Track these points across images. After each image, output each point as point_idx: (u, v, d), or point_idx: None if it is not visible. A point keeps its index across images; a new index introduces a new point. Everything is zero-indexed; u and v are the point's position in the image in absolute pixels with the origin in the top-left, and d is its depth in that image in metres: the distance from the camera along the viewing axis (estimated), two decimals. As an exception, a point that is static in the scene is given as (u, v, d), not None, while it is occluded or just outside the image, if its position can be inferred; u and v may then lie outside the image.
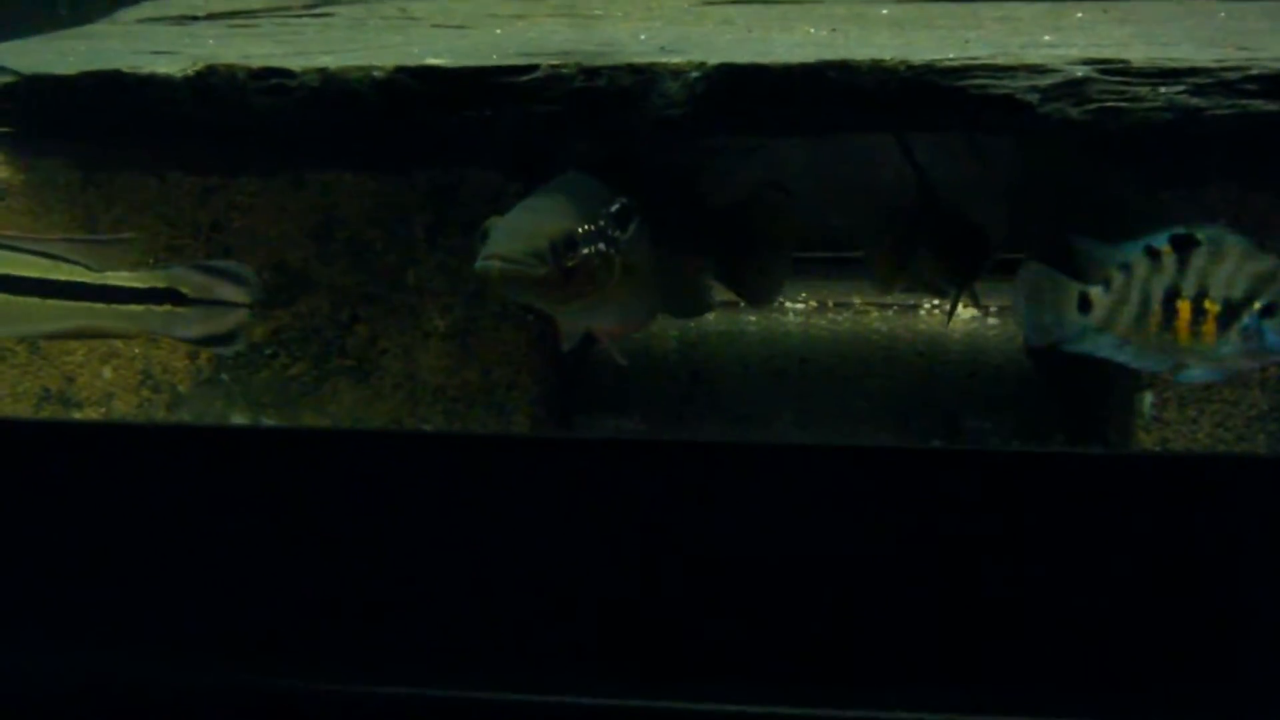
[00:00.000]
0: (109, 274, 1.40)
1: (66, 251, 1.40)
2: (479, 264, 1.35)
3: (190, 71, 1.57)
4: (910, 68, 1.49)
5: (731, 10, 2.01)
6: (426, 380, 1.65)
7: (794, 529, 1.28)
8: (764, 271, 1.66)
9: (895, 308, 2.24)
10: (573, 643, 1.32)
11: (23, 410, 1.68)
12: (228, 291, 1.42)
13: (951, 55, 1.51)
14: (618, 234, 1.41)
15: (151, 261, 1.59)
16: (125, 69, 1.60)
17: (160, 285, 1.41)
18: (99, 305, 1.40)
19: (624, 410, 1.82)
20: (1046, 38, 1.68)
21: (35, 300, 1.39)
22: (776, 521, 1.28)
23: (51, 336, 1.47)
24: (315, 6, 2.13)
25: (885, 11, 1.97)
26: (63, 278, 1.39)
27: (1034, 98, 1.48)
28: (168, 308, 1.41)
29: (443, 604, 1.33)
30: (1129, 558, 1.26)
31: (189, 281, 1.41)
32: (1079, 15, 1.91)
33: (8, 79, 1.64)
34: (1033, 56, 1.52)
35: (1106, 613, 1.26)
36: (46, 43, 1.88)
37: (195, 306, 1.42)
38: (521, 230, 1.35)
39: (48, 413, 1.68)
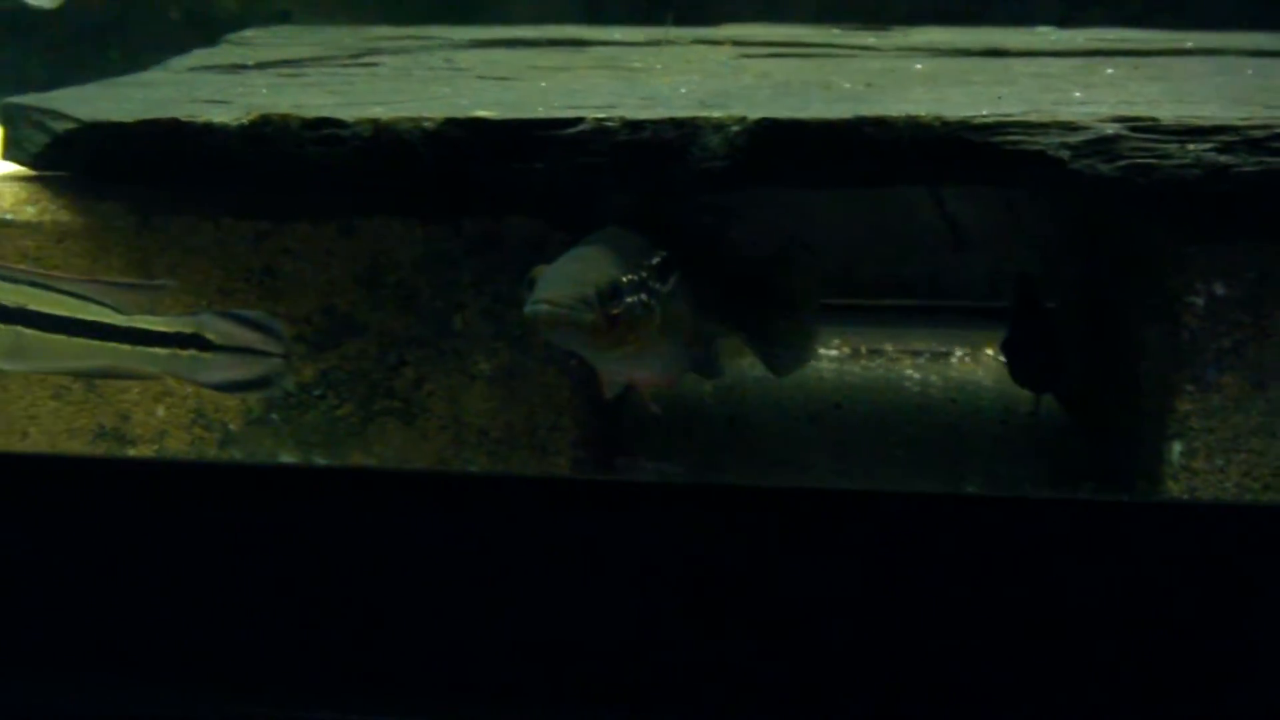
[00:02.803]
0: (136, 317, 1.44)
1: (97, 293, 1.44)
2: (527, 309, 1.39)
3: (245, 121, 1.61)
4: (945, 124, 1.51)
5: (769, 64, 2.04)
6: (471, 422, 1.66)
7: (830, 572, 1.31)
8: (788, 339, 1.69)
9: (928, 355, 2.26)
10: (610, 684, 1.35)
11: (78, 447, 1.70)
12: (254, 339, 1.46)
13: (985, 111, 1.53)
14: (659, 286, 1.45)
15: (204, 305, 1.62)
16: (182, 118, 1.63)
17: (186, 330, 1.44)
18: (124, 346, 1.44)
19: (663, 454, 1.83)
20: (1078, 94, 1.70)
21: (62, 338, 1.43)
22: (813, 564, 1.31)
23: (76, 374, 1.52)
24: (361, 56, 2.16)
25: (919, 66, 1.99)
26: (90, 317, 1.43)
27: (1065, 154, 1.50)
28: (192, 352, 1.44)
29: (484, 641, 1.36)
30: (1156, 604, 1.28)
31: (215, 328, 1.45)
32: (1110, 71, 1.93)
33: (68, 126, 1.67)
34: (1064, 114, 1.54)
35: (1133, 657, 1.29)
36: (104, 90, 1.92)
37: (220, 353, 1.45)
38: (569, 278, 1.39)
39: (102, 449, 1.70)
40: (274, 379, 1.48)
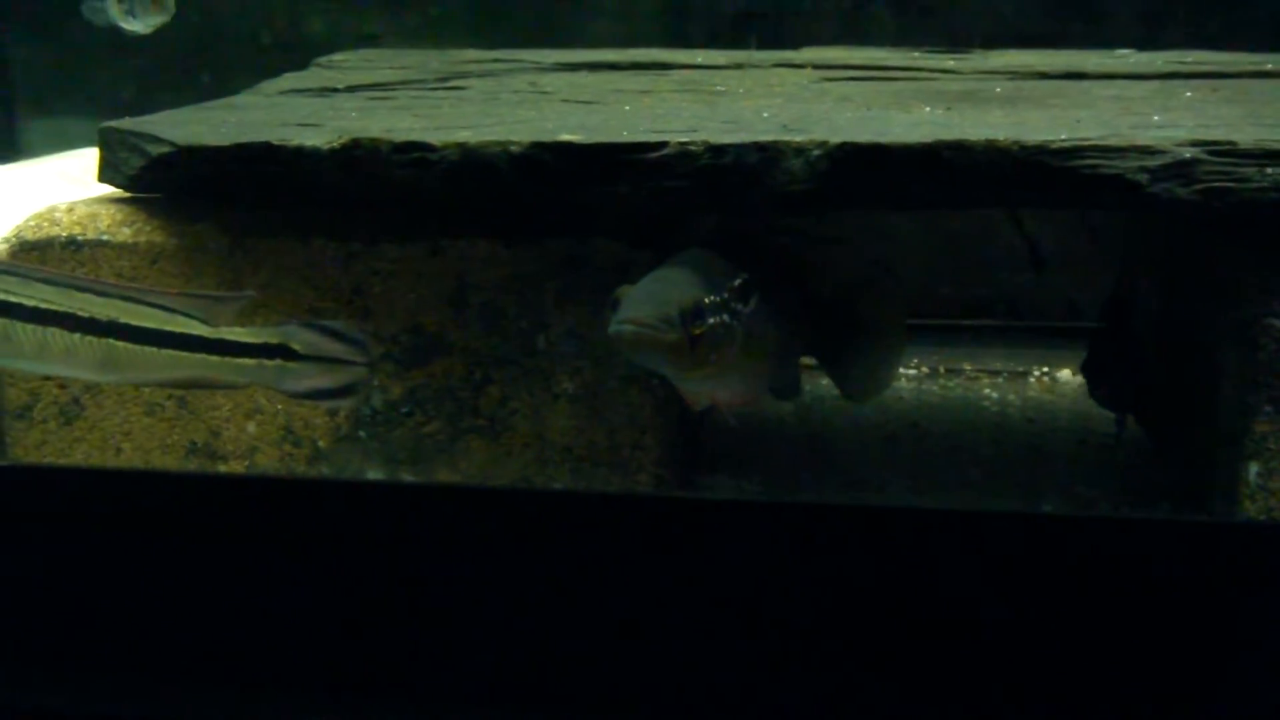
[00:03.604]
0: (223, 329, 1.47)
1: (185, 306, 1.46)
2: (611, 329, 1.41)
3: (336, 144, 1.63)
4: (1023, 148, 1.52)
5: (849, 87, 2.05)
6: (555, 440, 1.68)
7: (911, 591, 1.32)
8: (865, 365, 1.70)
9: (1005, 375, 2.26)
10: (692, 697, 1.37)
11: (170, 463, 1.73)
12: (338, 349, 1.48)
13: (1063, 135, 1.54)
14: (740, 307, 1.47)
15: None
16: (275, 141, 1.65)
17: (272, 341, 1.47)
18: (212, 357, 1.46)
19: (743, 472, 1.84)
20: (1156, 117, 1.70)
21: (152, 350, 1.45)
22: (894, 583, 1.32)
23: (165, 385, 1.54)
24: (448, 79, 2.18)
25: (999, 89, 2.00)
26: (178, 330, 1.46)
27: (1143, 178, 1.50)
28: (278, 362, 1.47)
29: (564, 656, 1.38)
30: (1233, 625, 1.29)
31: (300, 339, 1.47)
32: (1188, 94, 1.93)
33: (164, 149, 1.70)
34: (1142, 138, 1.55)
35: (1210, 677, 1.29)
36: (197, 113, 1.95)
37: (305, 362, 1.47)
38: (652, 298, 1.41)
39: (194, 465, 1.73)
40: (357, 388, 1.50)
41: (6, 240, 1.72)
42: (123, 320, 1.45)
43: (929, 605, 1.31)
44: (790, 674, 1.34)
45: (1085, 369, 1.91)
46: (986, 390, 2.20)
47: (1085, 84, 2.06)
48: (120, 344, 1.45)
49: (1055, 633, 1.30)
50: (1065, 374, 2.22)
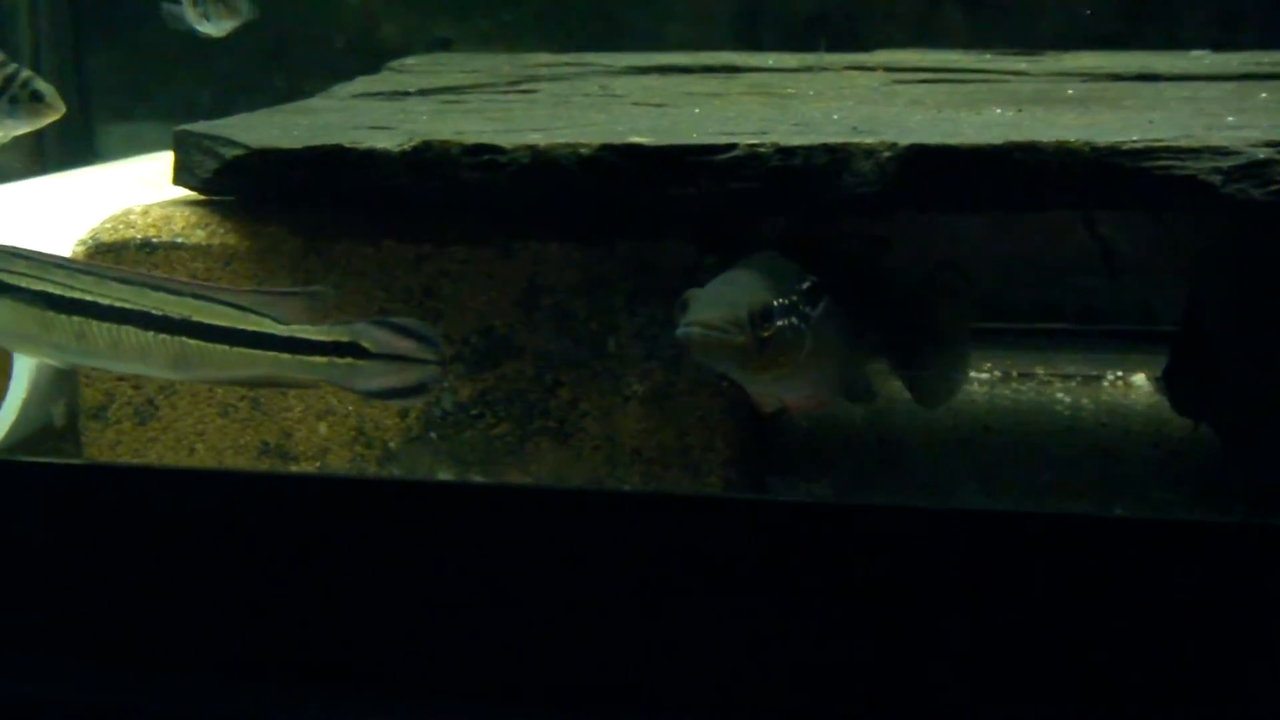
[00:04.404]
0: (295, 327, 1.47)
1: (257, 304, 1.47)
2: (680, 330, 1.41)
3: (407, 147, 1.64)
4: (1095, 149, 1.51)
5: (920, 89, 2.05)
6: (624, 442, 1.68)
7: (980, 594, 1.32)
8: (936, 369, 1.69)
9: (1079, 379, 2.25)
10: (758, 698, 1.37)
11: (243, 463, 1.74)
12: (410, 348, 1.48)
13: (1136, 137, 1.53)
14: (809, 310, 1.47)
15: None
16: (346, 144, 1.66)
17: (343, 339, 1.47)
18: (284, 355, 1.47)
19: (813, 475, 1.83)
20: (1230, 119, 1.69)
21: (224, 348, 1.46)
22: (960, 586, 1.32)
23: (237, 383, 1.54)
24: (520, 83, 2.19)
25: (1071, 91, 1.99)
26: (250, 328, 1.47)
27: (1217, 179, 1.49)
28: (349, 360, 1.47)
29: (636, 655, 1.38)
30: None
31: (371, 337, 1.47)
32: (1263, 95, 1.91)
33: (237, 152, 1.71)
34: (1216, 139, 1.53)
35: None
36: (270, 117, 1.96)
37: (376, 360, 1.47)
38: (721, 300, 1.42)
39: (266, 465, 1.74)
40: (429, 386, 1.50)
41: (83, 242, 1.74)
42: (195, 318, 1.46)
43: (996, 607, 1.31)
44: (854, 675, 1.34)
45: (1166, 376, 1.89)
46: (1059, 394, 2.19)
47: (1159, 85, 2.05)
48: (193, 342, 1.46)
49: (1129, 635, 1.29)
50: (1140, 378, 2.20)
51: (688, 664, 1.38)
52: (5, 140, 1.84)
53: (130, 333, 1.46)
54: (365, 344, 1.47)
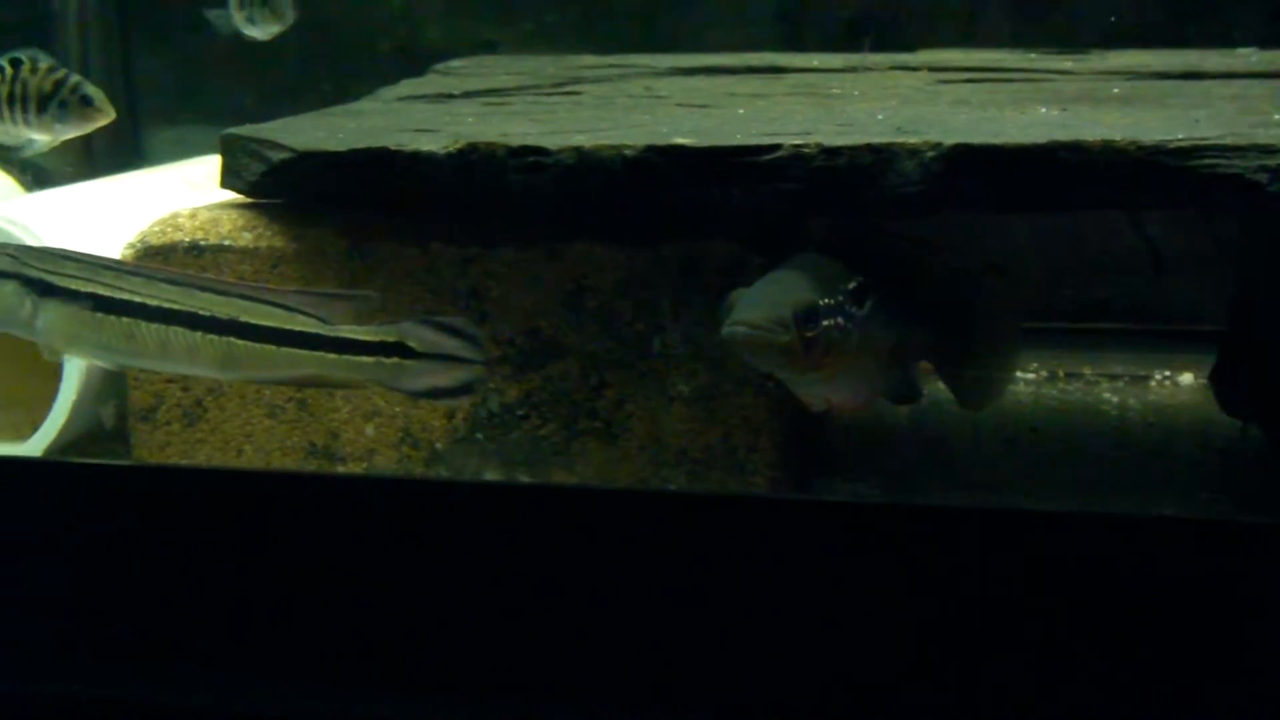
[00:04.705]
0: (341, 327, 1.48)
1: (303, 305, 1.48)
2: (725, 330, 1.41)
3: (453, 149, 1.65)
4: (1140, 148, 1.51)
5: (965, 89, 2.04)
6: (670, 443, 1.69)
7: (1025, 594, 1.32)
8: (980, 370, 1.68)
9: (1126, 379, 2.24)
10: (807, 699, 1.37)
11: (290, 463, 1.75)
12: (456, 347, 1.49)
13: (1181, 135, 1.53)
14: (855, 310, 1.47)
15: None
16: (392, 146, 1.67)
17: (389, 339, 1.48)
18: (330, 355, 1.48)
19: (859, 475, 1.83)
20: (1277, 116, 1.68)
21: (271, 348, 1.48)
22: (1009, 585, 1.32)
23: (284, 382, 1.56)
24: (564, 85, 2.20)
25: (1116, 90, 1.99)
26: (297, 328, 1.48)
27: (1263, 177, 1.48)
28: (396, 360, 1.48)
29: (679, 655, 1.38)
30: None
31: (418, 336, 1.48)
32: (1312, 93, 1.91)
33: (284, 155, 1.73)
34: (1263, 136, 1.53)
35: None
36: (316, 119, 1.97)
37: (422, 360, 1.48)
38: (766, 300, 1.42)
39: (313, 466, 1.75)
40: (474, 386, 1.51)
41: (132, 245, 1.75)
42: (243, 319, 1.47)
43: (1044, 608, 1.31)
44: (902, 676, 1.34)
45: (1213, 376, 1.88)
46: (1106, 394, 2.18)
47: (1204, 83, 2.04)
48: (240, 342, 1.47)
49: (1174, 636, 1.29)
50: (1187, 378, 2.20)
51: (735, 664, 1.38)
52: (55, 143, 1.85)
53: (178, 333, 1.47)
54: (412, 343, 1.48)
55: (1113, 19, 2.47)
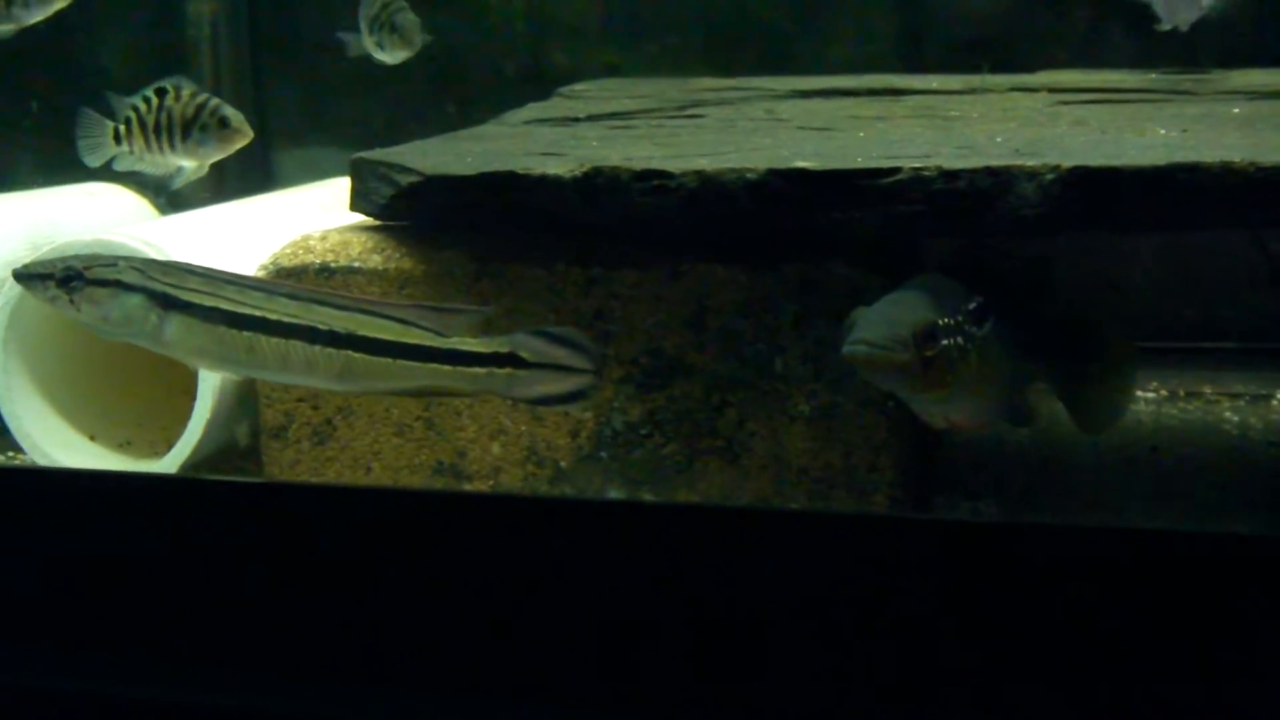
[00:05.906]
0: (455, 339, 1.51)
1: (419, 318, 1.50)
2: (845, 349, 1.43)
3: (578, 173, 1.67)
4: (1260, 169, 1.51)
5: (1084, 110, 2.04)
6: (791, 461, 1.70)
7: (1146, 615, 1.32)
8: (1098, 391, 1.67)
9: (1247, 398, 2.23)
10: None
11: (418, 481, 1.78)
12: (567, 357, 1.50)
13: (1301, 156, 1.52)
14: (974, 330, 1.48)
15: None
16: (519, 170, 1.70)
17: (502, 350, 1.50)
18: (444, 367, 1.50)
19: (979, 494, 1.84)
20: (1401, 136, 1.68)
21: (387, 360, 1.50)
22: (1130, 607, 1.32)
23: (401, 393, 1.56)
24: (687, 108, 2.21)
25: (1237, 110, 1.98)
26: (413, 341, 1.50)
27: (1385, 196, 1.48)
28: (508, 370, 1.50)
29: (806, 673, 1.40)
30: None
31: (529, 347, 1.50)
32: None
33: (413, 179, 1.75)
34: (1385, 156, 1.52)
35: None
36: (443, 143, 2.00)
37: (534, 369, 1.50)
38: (887, 319, 1.43)
39: (441, 484, 1.77)
40: (586, 393, 1.52)
41: (264, 267, 1.79)
42: (360, 332, 1.50)
43: (1163, 631, 1.31)
44: (1025, 697, 1.34)
45: None
46: (1227, 414, 2.17)
47: (1329, 104, 2.03)
48: (357, 355, 1.50)
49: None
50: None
51: (859, 683, 1.38)
52: (203, 171, 1.90)
53: (297, 347, 1.50)
54: (523, 354, 1.50)
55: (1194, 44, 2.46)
